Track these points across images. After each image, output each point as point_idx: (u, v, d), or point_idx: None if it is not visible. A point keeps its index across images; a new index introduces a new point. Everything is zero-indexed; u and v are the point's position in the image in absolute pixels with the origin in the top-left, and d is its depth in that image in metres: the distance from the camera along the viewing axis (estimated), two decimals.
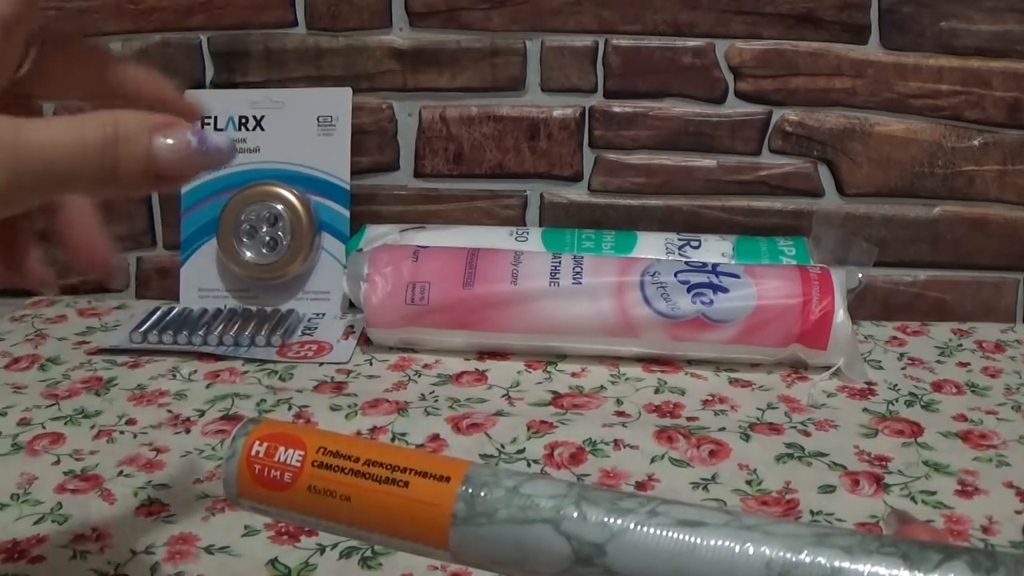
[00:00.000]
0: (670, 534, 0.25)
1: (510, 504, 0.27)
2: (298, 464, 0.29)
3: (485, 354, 0.62)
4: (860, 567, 0.23)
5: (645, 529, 0.25)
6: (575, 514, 0.26)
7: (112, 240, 0.34)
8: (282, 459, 0.29)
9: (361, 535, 0.29)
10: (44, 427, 0.52)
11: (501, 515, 0.27)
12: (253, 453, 0.30)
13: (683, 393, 0.57)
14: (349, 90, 0.70)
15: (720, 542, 0.25)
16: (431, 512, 0.28)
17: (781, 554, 0.24)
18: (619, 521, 0.26)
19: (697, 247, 0.66)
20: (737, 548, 0.24)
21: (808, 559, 0.24)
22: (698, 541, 0.25)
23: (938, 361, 0.62)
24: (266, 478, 0.30)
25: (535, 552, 0.26)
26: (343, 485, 0.29)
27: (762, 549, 0.24)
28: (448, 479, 0.28)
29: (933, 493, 0.46)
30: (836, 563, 0.24)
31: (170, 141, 0.28)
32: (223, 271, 0.70)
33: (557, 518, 0.26)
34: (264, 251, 0.68)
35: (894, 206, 0.71)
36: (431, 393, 0.57)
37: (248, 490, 0.30)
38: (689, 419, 0.53)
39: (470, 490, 0.28)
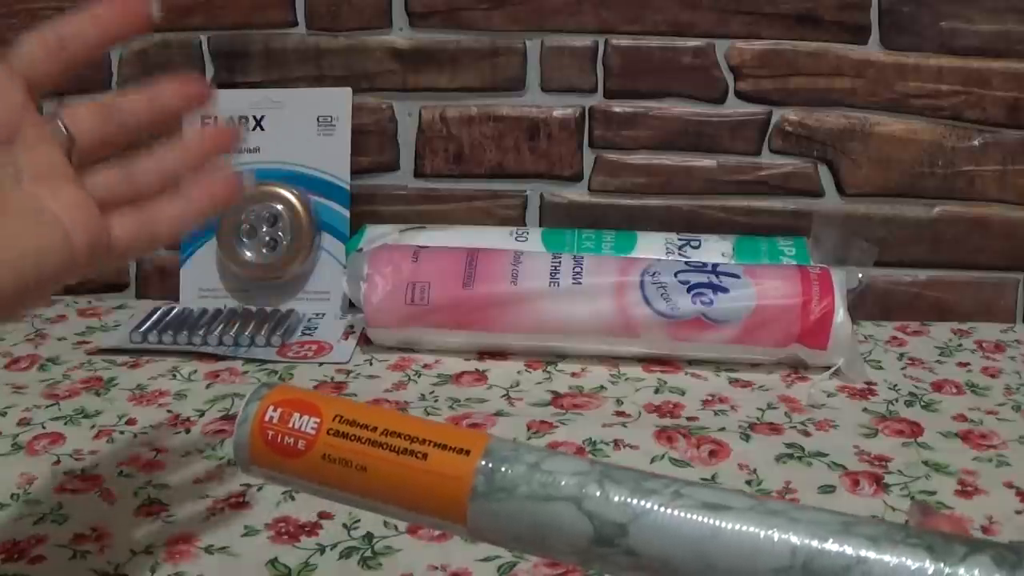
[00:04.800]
0: (694, 517, 0.25)
1: (531, 480, 0.26)
2: (313, 431, 0.29)
3: (485, 354, 0.62)
4: (885, 557, 0.23)
5: (669, 511, 0.25)
6: (598, 493, 0.26)
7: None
8: (297, 426, 0.29)
9: (376, 507, 0.29)
10: (44, 427, 0.52)
11: (522, 491, 0.26)
12: (267, 419, 0.29)
13: (683, 393, 0.57)
14: (349, 90, 0.70)
15: (744, 527, 0.24)
16: (450, 485, 0.27)
17: (806, 541, 0.24)
18: (642, 502, 0.25)
19: (697, 247, 0.66)
20: (762, 534, 0.24)
21: (834, 547, 0.24)
22: (722, 525, 0.25)
23: (938, 361, 0.62)
24: (279, 445, 0.29)
25: (555, 530, 0.26)
26: (359, 455, 0.28)
27: (787, 535, 0.24)
28: (468, 452, 0.27)
29: (933, 493, 0.46)
30: (861, 552, 0.23)
31: None
32: (223, 271, 0.70)
33: (579, 496, 0.26)
34: (264, 251, 0.68)
35: (894, 206, 0.71)
36: (431, 393, 0.57)
37: (260, 457, 0.29)
38: (689, 419, 0.53)
39: (490, 464, 0.27)
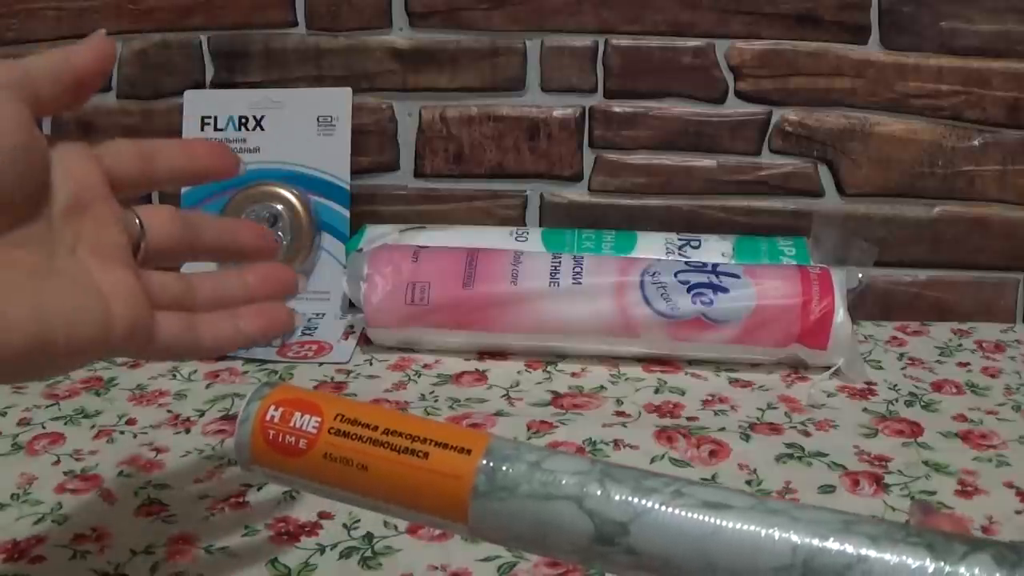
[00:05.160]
0: (695, 516, 0.25)
1: (532, 479, 0.26)
2: (314, 431, 0.29)
3: (485, 354, 0.62)
4: (886, 556, 0.23)
5: (669, 510, 0.25)
6: (599, 492, 0.26)
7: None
8: (298, 425, 0.29)
9: (377, 506, 0.29)
10: (44, 427, 0.52)
11: (523, 490, 0.26)
12: (268, 418, 0.29)
13: (683, 393, 0.57)
14: (349, 90, 0.70)
15: (745, 526, 0.24)
16: (451, 484, 0.27)
17: (807, 540, 0.24)
18: (643, 501, 0.25)
19: (697, 247, 0.66)
20: (763, 532, 0.24)
21: (834, 546, 0.24)
22: (723, 523, 0.25)
23: (938, 361, 0.62)
24: (280, 444, 0.29)
25: (556, 529, 0.26)
26: (360, 454, 0.28)
27: (788, 534, 0.24)
28: (469, 451, 0.27)
29: (933, 493, 0.46)
30: (862, 551, 0.23)
31: None
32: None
33: (580, 495, 0.26)
34: None
35: (894, 206, 0.71)
36: (431, 393, 0.57)
37: (261, 456, 0.29)
38: (689, 419, 0.53)
39: (491, 463, 0.27)
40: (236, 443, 0.29)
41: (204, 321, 0.35)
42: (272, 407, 0.29)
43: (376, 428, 0.28)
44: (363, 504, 0.29)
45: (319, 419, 0.29)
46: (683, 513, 0.25)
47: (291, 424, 0.29)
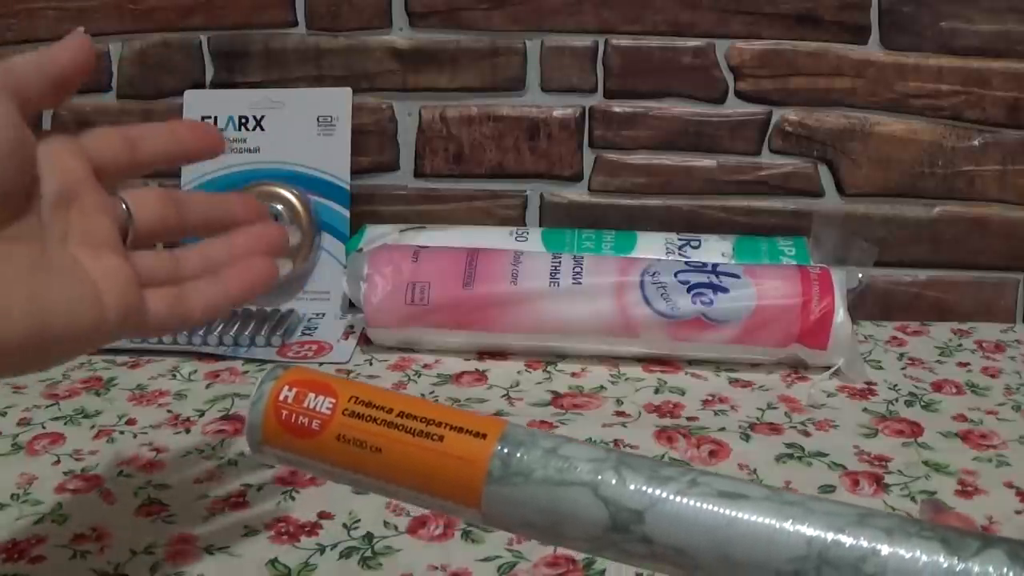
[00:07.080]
0: (710, 506, 0.25)
1: (547, 465, 0.26)
2: (328, 411, 0.28)
3: (485, 354, 0.62)
4: (900, 550, 0.23)
5: (685, 499, 0.25)
6: (614, 480, 0.26)
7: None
8: (312, 406, 0.29)
9: (389, 489, 0.28)
10: (44, 427, 0.52)
11: (538, 475, 0.26)
12: (281, 398, 0.29)
13: (683, 393, 0.57)
14: (349, 90, 0.70)
15: (761, 517, 0.24)
16: (465, 468, 0.27)
17: (822, 533, 0.24)
18: (659, 490, 0.25)
19: (697, 247, 0.66)
20: (777, 524, 0.24)
21: (849, 539, 0.24)
22: (738, 515, 0.25)
23: (938, 361, 0.62)
24: (293, 424, 0.29)
25: (571, 516, 0.26)
26: (374, 436, 0.28)
27: (803, 526, 0.24)
28: (485, 436, 0.27)
29: (933, 493, 0.46)
30: (876, 545, 0.23)
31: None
32: None
33: (595, 482, 0.26)
34: None
35: (894, 206, 0.71)
36: (431, 393, 0.57)
37: (273, 437, 0.29)
38: (689, 419, 0.53)
39: (506, 449, 0.27)
40: (248, 424, 0.29)
41: (192, 291, 0.36)
42: (286, 387, 0.29)
43: (391, 411, 0.28)
44: (374, 487, 0.29)
45: (333, 400, 0.28)
46: (699, 503, 0.25)
47: (305, 405, 0.29)
